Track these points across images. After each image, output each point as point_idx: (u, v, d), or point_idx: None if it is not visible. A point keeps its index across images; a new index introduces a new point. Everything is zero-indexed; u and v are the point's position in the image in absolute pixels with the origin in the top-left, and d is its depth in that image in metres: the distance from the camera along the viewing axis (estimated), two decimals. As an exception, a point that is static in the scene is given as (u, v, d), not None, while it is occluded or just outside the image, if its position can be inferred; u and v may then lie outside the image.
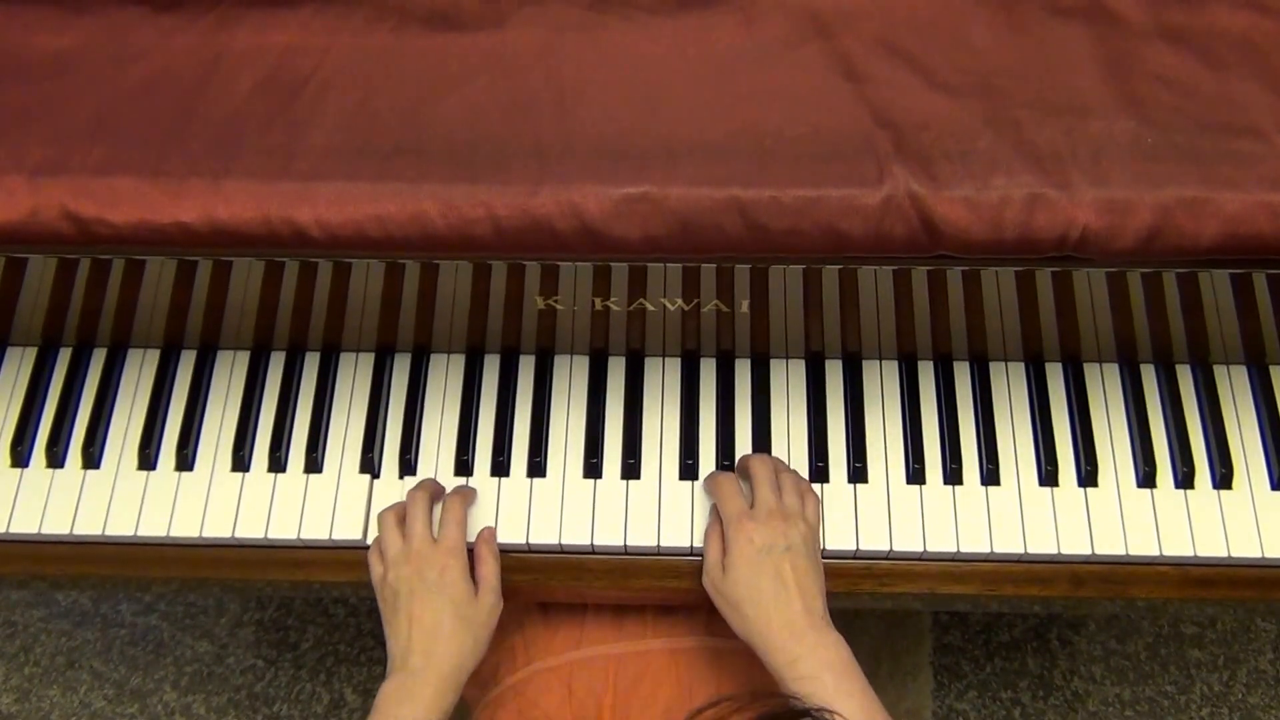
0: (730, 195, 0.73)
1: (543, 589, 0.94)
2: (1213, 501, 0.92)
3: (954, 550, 0.91)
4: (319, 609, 1.63)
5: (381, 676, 0.82)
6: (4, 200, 0.75)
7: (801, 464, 0.94)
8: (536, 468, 0.94)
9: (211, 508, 0.93)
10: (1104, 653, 1.58)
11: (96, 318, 0.96)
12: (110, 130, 0.78)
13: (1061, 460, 0.93)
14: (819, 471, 0.94)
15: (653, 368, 0.98)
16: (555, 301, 0.91)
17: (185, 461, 0.95)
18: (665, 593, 0.93)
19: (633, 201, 0.74)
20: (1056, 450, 0.94)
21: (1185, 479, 0.92)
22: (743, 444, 0.95)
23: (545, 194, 0.74)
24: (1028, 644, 1.59)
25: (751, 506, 0.86)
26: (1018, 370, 0.98)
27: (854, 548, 0.91)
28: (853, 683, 0.78)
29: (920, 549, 0.91)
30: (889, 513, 0.92)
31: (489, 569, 0.88)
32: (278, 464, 0.95)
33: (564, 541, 0.92)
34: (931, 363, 0.98)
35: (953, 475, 0.93)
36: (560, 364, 0.98)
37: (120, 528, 0.93)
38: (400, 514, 0.89)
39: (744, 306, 0.91)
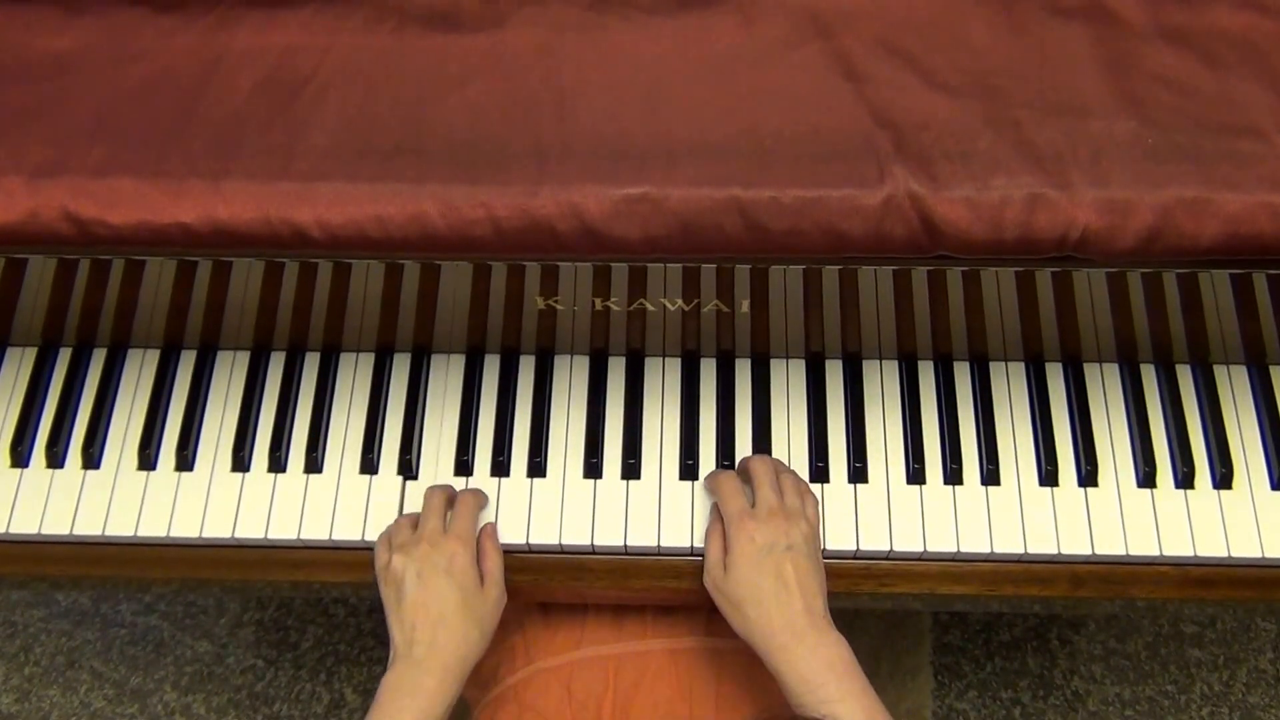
0: (730, 195, 0.73)
1: (543, 589, 0.94)
2: (1213, 501, 0.92)
3: (954, 550, 0.91)
4: (319, 609, 1.63)
5: (382, 676, 0.82)
6: (4, 201, 0.75)
7: (801, 464, 0.94)
8: (536, 468, 0.94)
9: (211, 508, 0.93)
10: (1104, 652, 1.58)
11: (96, 318, 0.96)
12: (110, 131, 0.78)
13: (1061, 460, 0.93)
14: (819, 471, 0.94)
15: (653, 368, 0.98)
16: (555, 301, 0.91)
17: (185, 462, 0.95)
18: (665, 593, 0.93)
19: (633, 202, 0.74)
20: (1056, 450, 0.94)
21: (1185, 479, 0.92)
22: (743, 444, 0.95)
23: (545, 194, 0.74)
24: (1028, 644, 1.59)
25: (753, 506, 0.86)
26: (1018, 370, 0.97)
27: (854, 548, 0.91)
28: (854, 683, 0.78)
29: (920, 549, 0.91)
30: (889, 513, 0.92)
31: (493, 562, 0.88)
32: (278, 464, 0.95)
33: (564, 542, 0.92)
34: (932, 363, 0.98)
35: (953, 475, 0.93)
36: (560, 364, 0.98)
37: (120, 528, 0.93)
38: (414, 519, 0.89)
39: (744, 306, 0.91)
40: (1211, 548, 0.90)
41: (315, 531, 0.92)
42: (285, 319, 0.95)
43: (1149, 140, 0.76)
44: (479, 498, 0.92)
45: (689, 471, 0.94)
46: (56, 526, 0.93)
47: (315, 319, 0.95)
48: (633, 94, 0.79)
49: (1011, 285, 0.88)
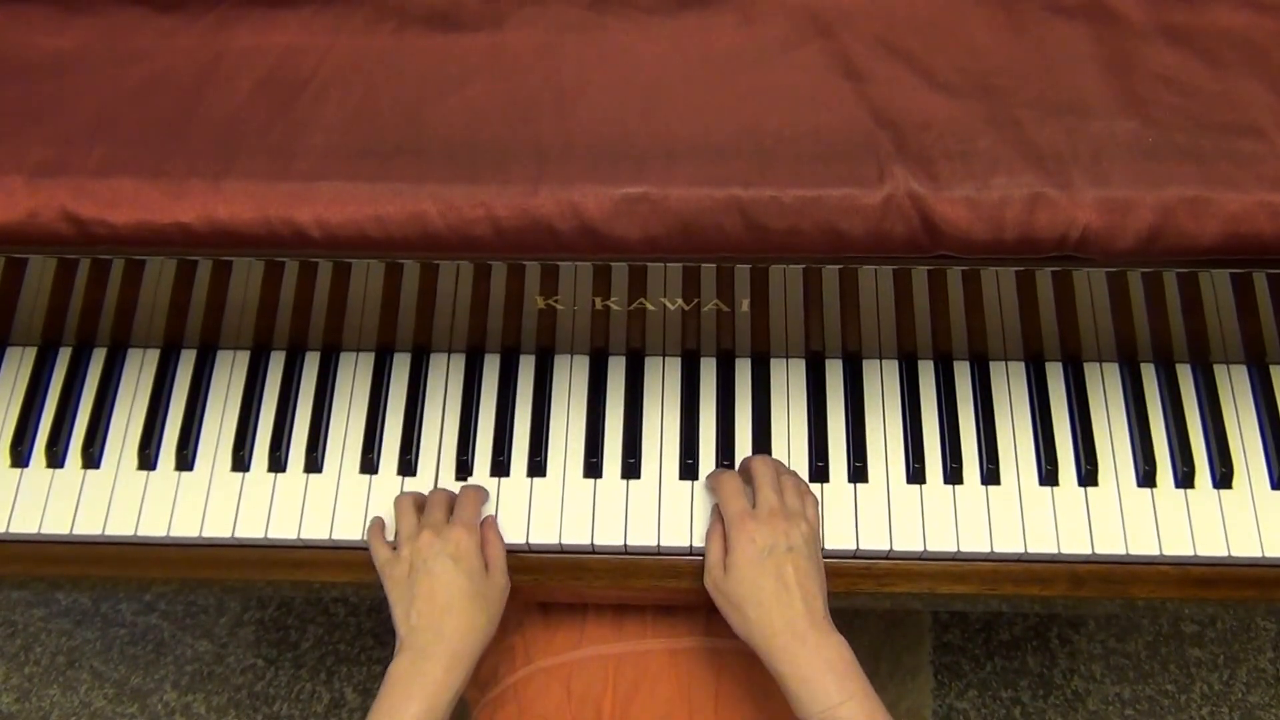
0: (730, 195, 0.73)
1: (543, 589, 0.94)
2: (1213, 501, 0.92)
3: (954, 550, 0.91)
4: (319, 608, 1.63)
5: (382, 675, 0.82)
6: (4, 201, 0.75)
7: (801, 464, 0.94)
8: (536, 467, 0.94)
9: (211, 508, 0.93)
10: (1104, 651, 1.58)
11: (96, 318, 0.96)
12: (110, 131, 0.78)
13: (1061, 460, 0.93)
14: (819, 471, 0.94)
15: (653, 367, 0.98)
16: (555, 301, 0.91)
17: (185, 461, 0.95)
18: (665, 593, 0.93)
19: (633, 201, 0.74)
20: (1056, 450, 0.94)
21: (1185, 478, 0.92)
22: (743, 444, 0.95)
23: (545, 194, 0.74)
24: (1028, 643, 1.59)
25: (753, 507, 0.86)
26: (1018, 370, 0.97)
27: (854, 547, 0.91)
28: (854, 683, 0.78)
29: (920, 548, 0.91)
30: (889, 512, 0.92)
31: (497, 550, 0.88)
32: (278, 464, 0.95)
33: (564, 541, 0.92)
34: (932, 362, 0.98)
35: (953, 475, 0.93)
36: (560, 364, 0.98)
37: (120, 528, 0.93)
38: (417, 500, 0.90)
39: (744, 306, 0.91)
40: (1211, 547, 0.90)
41: (315, 531, 0.92)
42: (285, 319, 0.95)
43: (1149, 139, 0.76)
44: (481, 492, 0.92)
45: (689, 471, 0.94)
46: (56, 526, 0.93)
47: (315, 319, 0.95)
48: (632, 94, 0.79)
49: (1012, 285, 0.88)
